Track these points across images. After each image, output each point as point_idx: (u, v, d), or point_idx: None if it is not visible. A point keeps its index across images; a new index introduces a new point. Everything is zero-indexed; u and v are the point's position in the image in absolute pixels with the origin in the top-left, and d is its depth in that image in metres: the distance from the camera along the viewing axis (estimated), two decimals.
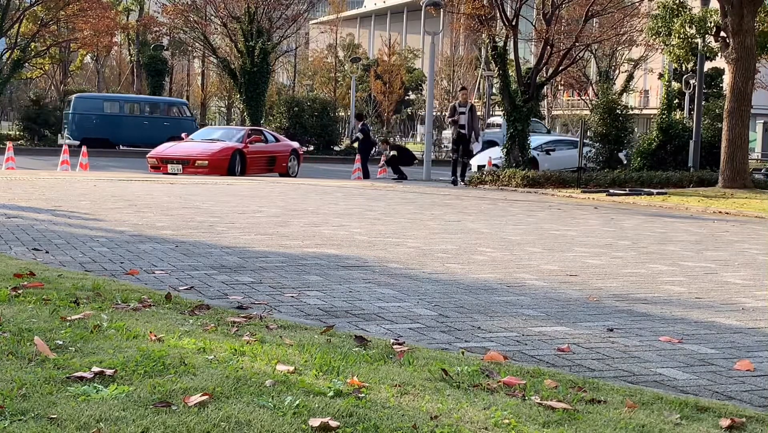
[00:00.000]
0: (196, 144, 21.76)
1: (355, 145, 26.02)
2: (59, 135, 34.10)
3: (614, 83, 40.62)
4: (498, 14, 24.71)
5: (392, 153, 22.85)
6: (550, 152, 25.04)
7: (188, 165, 20.24)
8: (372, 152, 25.96)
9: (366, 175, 22.30)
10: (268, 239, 8.22)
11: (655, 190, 17.73)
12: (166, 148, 21.25)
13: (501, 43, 24.84)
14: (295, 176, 22.27)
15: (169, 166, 20.19)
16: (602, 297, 5.75)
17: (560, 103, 57.89)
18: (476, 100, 48.12)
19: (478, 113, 21.27)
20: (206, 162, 20.44)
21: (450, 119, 20.43)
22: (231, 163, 20.72)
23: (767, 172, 25.21)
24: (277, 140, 23.85)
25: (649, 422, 2.97)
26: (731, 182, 18.82)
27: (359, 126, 24.40)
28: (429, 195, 15.95)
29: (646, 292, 6.03)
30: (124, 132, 33.42)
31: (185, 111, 36.02)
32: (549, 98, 50.39)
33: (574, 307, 5.37)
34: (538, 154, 24.73)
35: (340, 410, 2.88)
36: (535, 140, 26.26)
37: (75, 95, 34.71)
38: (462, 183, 20.05)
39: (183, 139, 22.96)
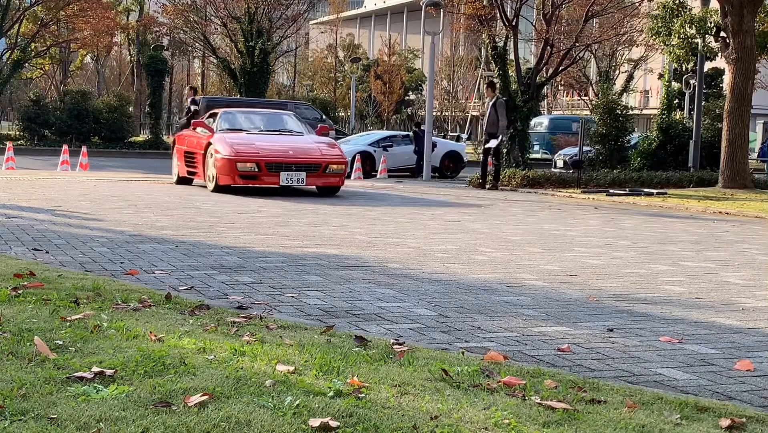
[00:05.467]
0: (288, 138, 14.94)
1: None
2: None
3: (614, 83, 40.63)
4: (498, 14, 24.74)
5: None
6: (388, 148, 24.29)
7: (316, 172, 13.99)
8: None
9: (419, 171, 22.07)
10: (268, 239, 8.22)
11: (655, 191, 17.74)
12: (246, 143, 14.19)
13: (501, 43, 24.86)
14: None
15: (283, 175, 13.69)
16: (602, 297, 5.75)
17: (560, 104, 57.89)
18: (476, 100, 48.15)
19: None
20: (342, 167, 14.38)
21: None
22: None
23: None
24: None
25: (649, 422, 2.97)
26: (731, 182, 18.82)
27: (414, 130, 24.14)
28: (429, 195, 15.96)
29: (646, 292, 6.03)
30: None
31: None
32: (549, 98, 50.39)
33: (574, 307, 5.37)
34: (374, 150, 24.05)
35: (340, 410, 2.88)
36: (372, 136, 25.85)
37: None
38: (488, 187, 18.22)
39: (195, 126, 15.80)
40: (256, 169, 13.75)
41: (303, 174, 13.85)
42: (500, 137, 18.05)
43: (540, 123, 37.16)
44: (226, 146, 13.96)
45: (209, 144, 14.34)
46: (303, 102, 35.53)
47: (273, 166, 13.78)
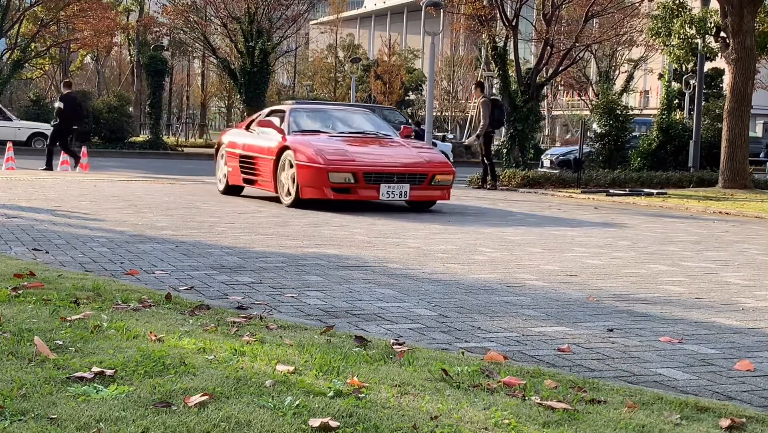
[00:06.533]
0: (380, 143, 12.85)
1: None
2: None
3: (614, 84, 40.64)
4: (498, 14, 24.74)
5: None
6: None
7: (421, 183, 12.04)
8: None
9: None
10: (268, 239, 8.22)
11: (655, 191, 17.74)
12: (336, 148, 12.05)
13: (501, 44, 24.86)
14: None
15: (384, 187, 11.69)
16: (602, 297, 5.75)
17: (560, 104, 57.89)
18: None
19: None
20: (450, 178, 12.40)
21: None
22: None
23: None
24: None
25: (649, 422, 2.97)
26: (731, 182, 18.83)
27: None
28: None
29: (646, 292, 6.03)
30: None
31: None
32: (549, 98, 50.39)
33: (574, 307, 5.37)
34: None
35: (340, 410, 2.88)
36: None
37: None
38: (487, 187, 18.16)
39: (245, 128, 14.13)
40: (352, 181, 11.57)
41: (406, 187, 11.82)
42: (473, 136, 18.35)
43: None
44: (312, 152, 11.73)
45: (284, 148, 12.18)
46: (389, 107, 34.91)
47: (372, 177, 11.65)
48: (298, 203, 11.83)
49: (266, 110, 14.29)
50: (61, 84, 22.72)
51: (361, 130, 13.37)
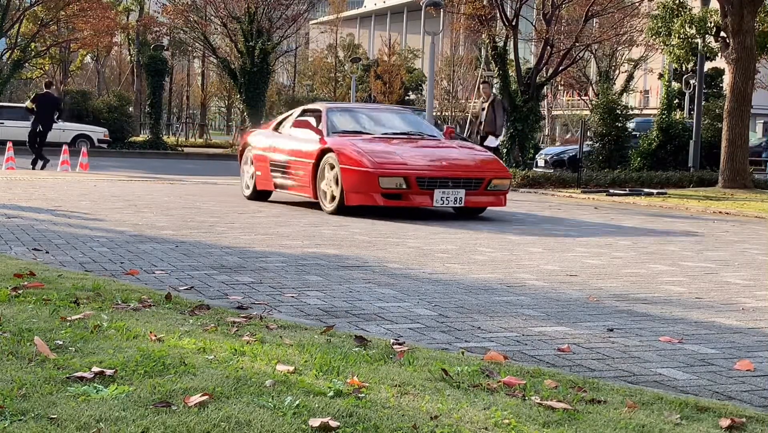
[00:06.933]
0: (429, 144, 12.00)
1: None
2: None
3: (614, 83, 40.64)
4: (498, 14, 24.75)
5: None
6: None
7: (477, 189, 11.11)
8: None
9: None
10: (268, 239, 8.23)
11: (655, 191, 17.74)
12: (384, 150, 11.20)
13: (501, 43, 24.86)
14: None
15: (438, 193, 10.82)
16: (602, 297, 5.75)
17: (560, 104, 57.90)
18: (476, 101, 48.08)
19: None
20: (507, 183, 11.58)
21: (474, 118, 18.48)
22: None
23: None
24: None
25: (649, 422, 2.97)
26: (731, 182, 18.83)
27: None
28: None
29: (646, 292, 6.03)
30: None
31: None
32: (549, 98, 50.39)
33: (574, 307, 5.37)
34: None
35: (340, 410, 2.88)
36: None
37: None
38: None
39: (252, 131, 14.27)
40: (404, 186, 10.72)
41: (461, 192, 10.93)
42: (500, 137, 17.92)
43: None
44: (358, 154, 10.91)
45: (325, 151, 11.35)
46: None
47: (425, 182, 10.79)
48: (343, 210, 10.96)
49: (298, 110, 13.32)
50: (45, 83, 22.45)
51: (405, 130, 12.53)
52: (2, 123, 30.41)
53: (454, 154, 11.52)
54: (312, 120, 12.31)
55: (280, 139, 12.70)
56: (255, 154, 13.13)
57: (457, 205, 11.06)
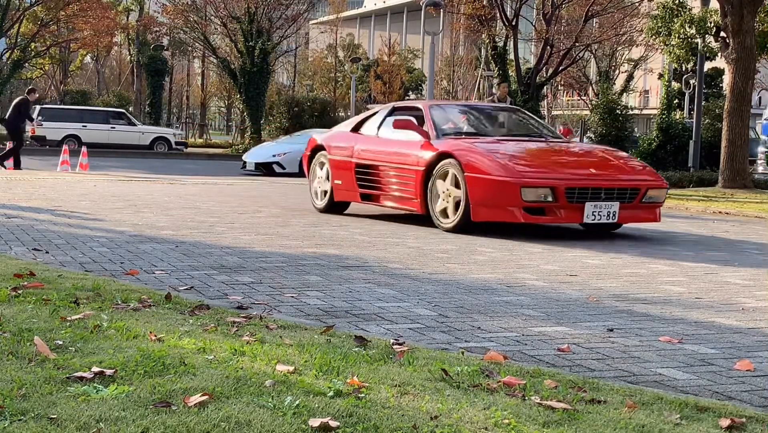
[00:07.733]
0: (571, 155, 10.03)
1: None
2: None
3: (614, 83, 40.66)
4: (498, 14, 24.77)
5: None
6: None
7: (632, 201, 9.36)
8: None
9: None
10: (268, 239, 8.22)
11: None
12: (522, 155, 9.50)
13: (501, 43, 24.88)
14: None
15: (589, 207, 9.04)
16: (602, 297, 5.75)
17: (560, 104, 57.92)
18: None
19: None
20: (663, 193, 9.79)
21: None
22: None
23: None
24: None
25: (649, 422, 2.97)
26: (731, 182, 18.84)
27: None
28: None
29: (645, 292, 6.03)
30: None
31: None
32: (549, 98, 50.41)
33: (574, 307, 5.37)
34: None
35: (340, 410, 2.88)
36: None
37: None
38: None
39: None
40: (551, 199, 8.96)
41: (615, 205, 9.18)
42: None
43: None
44: (491, 160, 9.15)
45: (441, 156, 9.59)
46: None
47: (575, 194, 9.01)
48: (466, 228, 9.29)
49: (380, 108, 11.60)
50: (29, 89, 22.04)
51: (524, 132, 10.99)
52: None
53: (598, 160, 9.74)
54: (413, 120, 10.45)
55: (368, 143, 10.84)
56: (332, 159, 11.17)
57: (610, 221, 9.28)
